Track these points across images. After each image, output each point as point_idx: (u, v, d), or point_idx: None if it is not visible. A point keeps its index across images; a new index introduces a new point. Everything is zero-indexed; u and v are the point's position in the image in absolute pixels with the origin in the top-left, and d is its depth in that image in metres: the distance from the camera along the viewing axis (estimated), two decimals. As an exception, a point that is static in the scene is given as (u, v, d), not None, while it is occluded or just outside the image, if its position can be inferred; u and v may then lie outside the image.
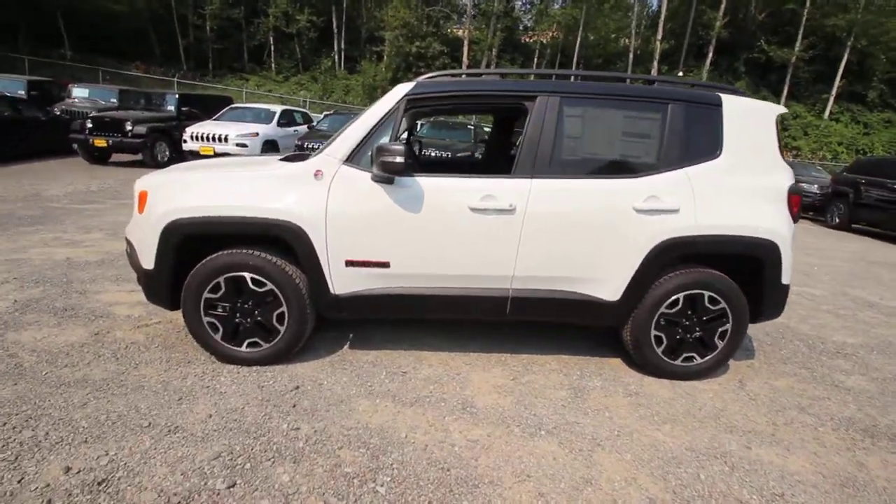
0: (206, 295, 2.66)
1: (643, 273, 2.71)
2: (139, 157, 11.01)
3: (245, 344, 2.75)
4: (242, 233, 2.60)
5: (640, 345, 2.88)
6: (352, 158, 2.61)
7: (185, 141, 10.52)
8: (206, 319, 2.70)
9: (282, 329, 2.72)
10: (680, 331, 2.88)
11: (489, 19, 31.70)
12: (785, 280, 2.86)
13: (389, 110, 2.63)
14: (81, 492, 1.80)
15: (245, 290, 2.66)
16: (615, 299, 2.77)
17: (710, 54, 29.86)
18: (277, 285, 2.65)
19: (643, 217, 2.65)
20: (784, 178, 2.82)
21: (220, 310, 2.69)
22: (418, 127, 14.20)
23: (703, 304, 2.83)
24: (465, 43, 31.34)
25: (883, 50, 27.08)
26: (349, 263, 2.63)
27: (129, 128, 10.61)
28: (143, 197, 2.68)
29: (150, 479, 1.88)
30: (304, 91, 28.54)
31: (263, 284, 2.65)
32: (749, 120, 2.79)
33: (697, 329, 2.89)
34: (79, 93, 14.80)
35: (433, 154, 9.93)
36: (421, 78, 2.72)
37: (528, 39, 35.25)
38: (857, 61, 28.02)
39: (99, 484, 1.84)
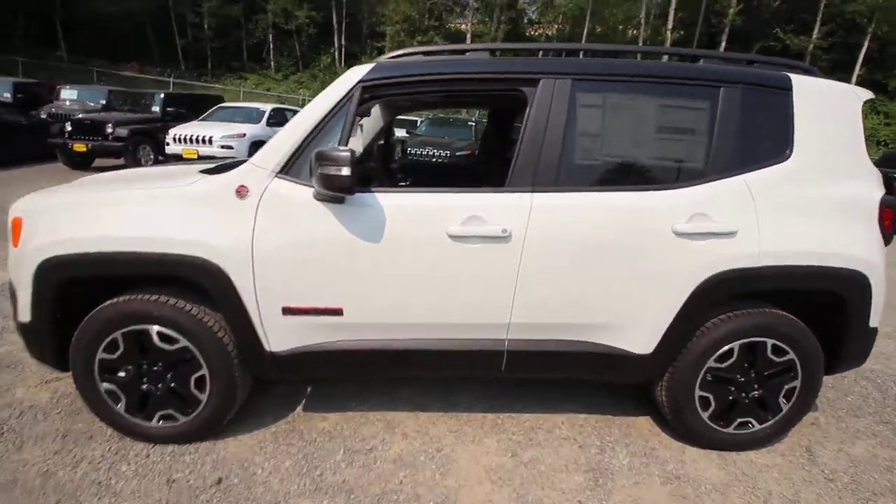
0: (100, 355, 2.00)
1: (686, 317, 2.01)
2: (122, 161, 10.45)
3: (157, 417, 2.08)
4: (139, 273, 1.93)
5: (680, 409, 2.18)
6: (287, 169, 1.92)
7: (167, 143, 9.91)
8: (103, 386, 2.04)
9: (203, 398, 2.05)
10: (733, 390, 2.18)
11: (492, 12, 30.80)
12: (873, 322, 2.15)
13: (338, 102, 1.93)
14: None
15: (152, 349, 1.99)
16: (647, 352, 2.06)
17: (724, 43, 28.74)
18: (194, 341, 1.98)
19: (687, 243, 1.94)
20: (873, 185, 2.10)
21: (121, 374, 2.03)
22: (418, 124, 13.46)
23: (764, 354, 2.12)
24: (468, 37, 30.48)
25: (905, 35, 25.84)
26: (288, 311, 1.95)
27: (109, 130, 10.04)
28: (16, 225, 2.02)
29: None
30: (304, 89, 27.84)
31: (175, 341, 1.98)
32: (828, 109, 2.07)
33: (756, 387, 2.18)
34: (67, 94, 14.26)
35: (419, 152, 9.26)
36: (382, 58, 2.03)
37: (532, 32, 34.30)
38: (877, 49, 26.79)
39: None
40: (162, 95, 11.93)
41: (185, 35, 30.01)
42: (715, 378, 2.16)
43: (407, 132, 12.69)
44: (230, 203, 1.88)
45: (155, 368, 2.03)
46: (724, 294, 2.01)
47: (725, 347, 2.10)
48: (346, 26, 31.46)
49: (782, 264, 1.97)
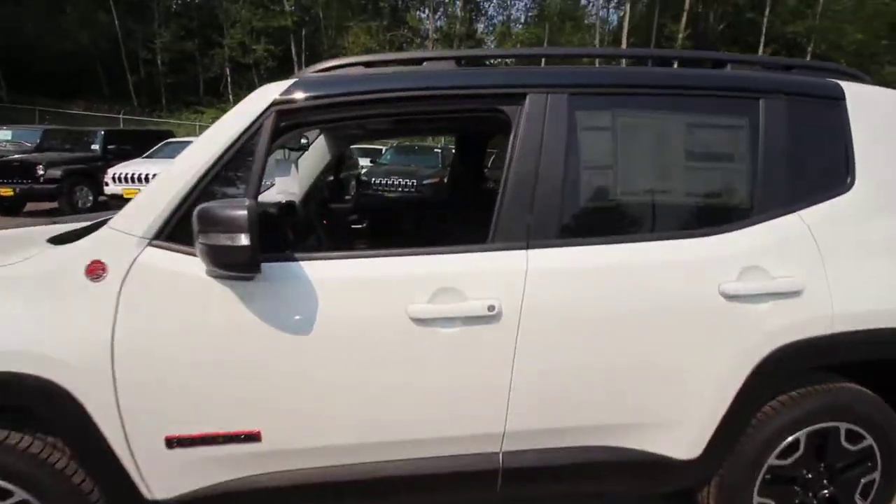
0: None
1: (743, 407, 1.48)
2: (57, 204, 9.52)
3: None
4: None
5: (735, 524, 1.62)
6: (167, 233, 1.31)
7: (106, 184, 9.05)
8: None
9: (55, 576, 1.36)
10: (799, 491, 1.65)
11: (452, 42, 31.24)
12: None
13: (242, 134, 1.35)
14: None
15: (-30, 509, 1.32)
16: (694, 456, 1.51)
17: (675, 65, 29.89)
18: (37, 493, 1.31)
19: (740, 308, 1.42)
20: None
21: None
22: (383, 153, 12.80)
23: (836, 442, 1.61)
24: (430, 66, 30.70)
25: (843, 54, 27.53)
26: (174, 443, 1.31)
27: (40, 172, 9.13)
28: None
29: None
30: (264, 122, 27.08)
31: (9, 494, 1.31)
32: (890, 122, 1.62)
33: (826, 483, 1.65)
34: (2, 136, 13.21)
35: (384, 182, 8.82)
36: (307, 71, 1.46)
37: (491, 62, 34.95)
38: (818, 67, 28.50)
39: None
40: (102, 132, 11.10)
41: (138, 71, 28.97)
42: (775, 478, 1.62)
43: (371, 161, 12.18)
44: (76, 288, 1.25)
45: (-20, 537, 1.35)
46: (789, 373, 1.50)
47: (790, 439, 1.57)
48: (306, 58, 31.16)
49: (863, 329, 1.47)
